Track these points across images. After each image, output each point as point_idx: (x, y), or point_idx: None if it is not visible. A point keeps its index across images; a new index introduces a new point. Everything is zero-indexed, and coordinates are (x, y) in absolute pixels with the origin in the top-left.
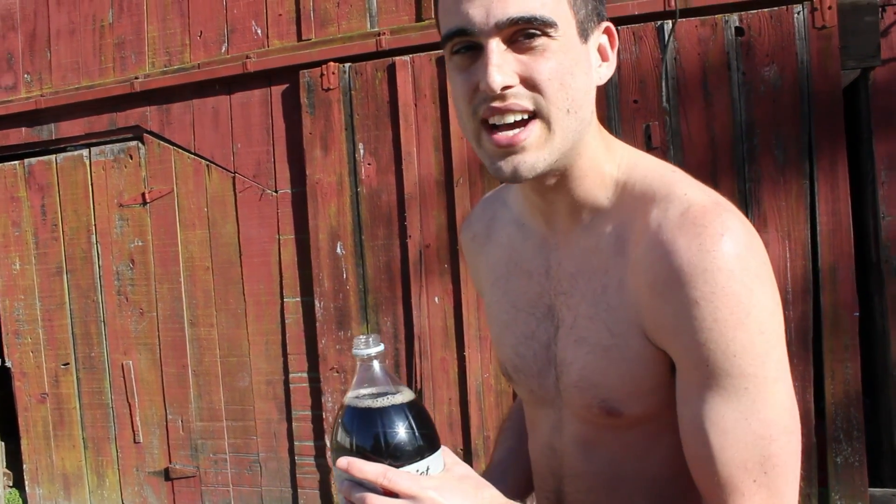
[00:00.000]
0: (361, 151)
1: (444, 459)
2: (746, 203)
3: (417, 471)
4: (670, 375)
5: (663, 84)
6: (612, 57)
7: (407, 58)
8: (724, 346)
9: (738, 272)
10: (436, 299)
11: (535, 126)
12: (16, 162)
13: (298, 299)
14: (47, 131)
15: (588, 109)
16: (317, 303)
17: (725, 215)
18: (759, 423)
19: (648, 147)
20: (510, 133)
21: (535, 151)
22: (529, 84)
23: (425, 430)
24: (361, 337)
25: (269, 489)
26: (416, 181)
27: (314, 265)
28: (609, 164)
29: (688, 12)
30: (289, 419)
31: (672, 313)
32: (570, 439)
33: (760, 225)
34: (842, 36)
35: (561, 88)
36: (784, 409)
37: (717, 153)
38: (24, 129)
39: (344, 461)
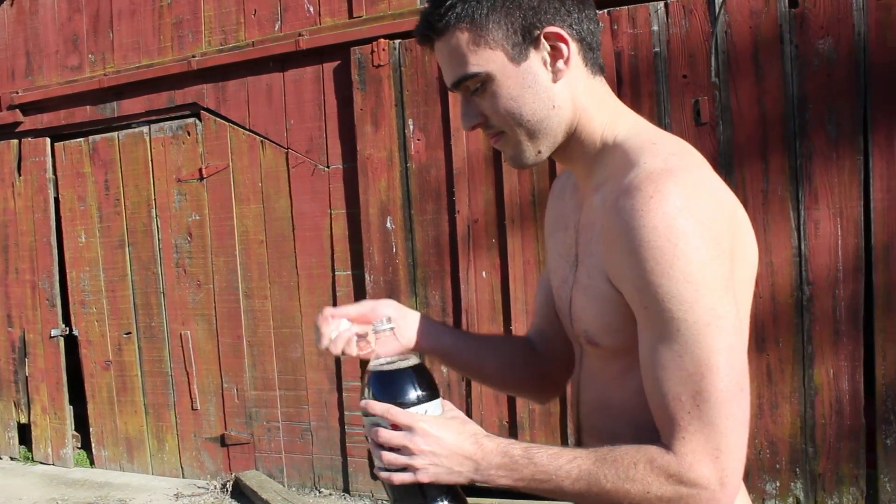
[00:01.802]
0: (411, 127)
1: (442, 408)
2: (797, 179)
3: (417, 412)
4: (633, 316)
5: (713, 58)
6: (566, 50)
7: None
8: (653, 293)
9: (661, 229)
10: (483, 273)
11: (504, 138)
12: (81, 139)
13: (349, 272)
14: (110, 109)
15: (557, 104)
16: (367, 276)
17: (663, 180)
18: (690, 361)
19: (697, 123)
20: (492, 141)
21: (516, 152)
22: (492, 119)
23: (425, 384)
24: (382, 317)
25: (319, 457)
26: (465, 157)
27: (364, 239)
28: (610, 133)
29: None
30: (339, 389)
31: (618, 263)
32: (583, 372)
33: (812, 202)
34: None
35: (511, 113)
36: (715, 351)
37: (767, 128)
38: (88, 107)
39: (363, 402)
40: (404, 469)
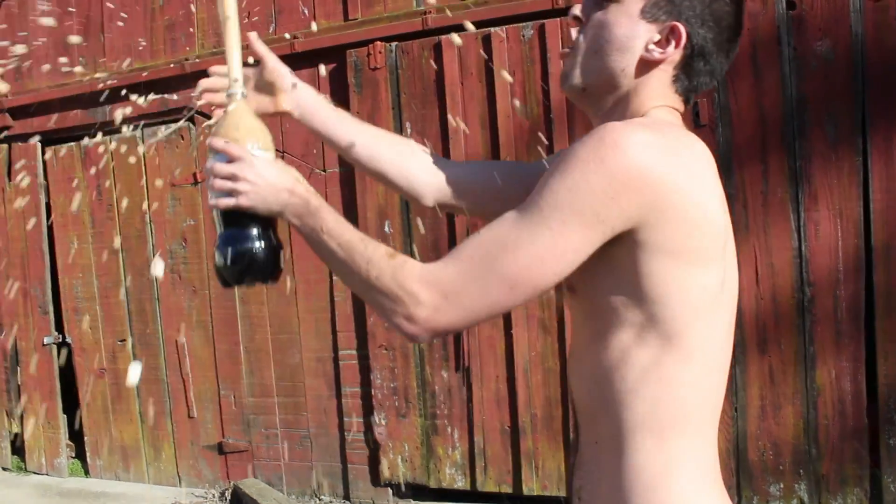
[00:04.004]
0: (409, 130)
1: (274, 157)
2: (797, 180)
3: (255, 150)
4: (595, 259)
5: None
6: (671, 49)
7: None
8: (544, 180)
9: (589, 145)
10: None
11: (573, 53)
12: (72, 143)
13: None
14: (102, 113)
15: (627, 72)
16: None
17: (615, 126)
18: (509, 229)
19: (696, 124)
20: (565, 48)
21: (568, 70)
22: (585, 30)
23: (264, 139)
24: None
25: (319, 463)
26: (463, 159)
27: None
28: (631, 111)
29: None
30: (338, 395)
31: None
32: (573, 344)
33: (811, 203)
34: None
35: (597, 39)
36: (529, 243)
37: (766, 130)
38: (79, 111)
39: (209, 140)
40: (230, 196)
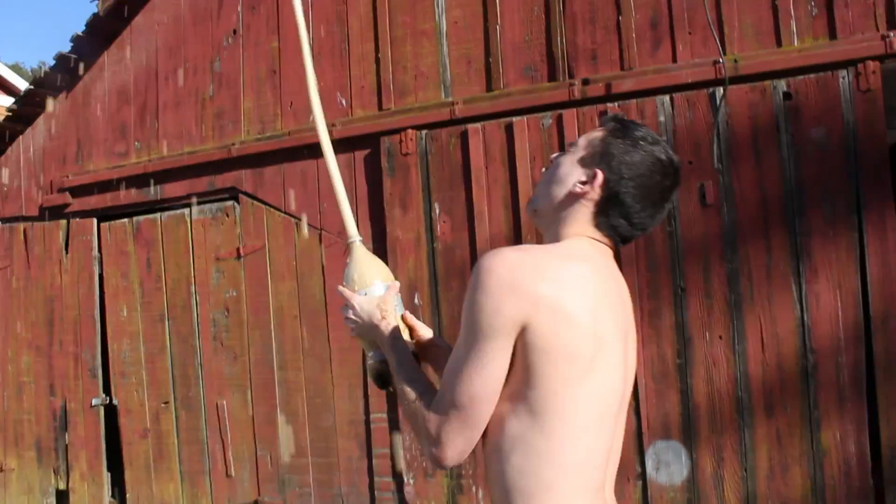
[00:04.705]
0: (437, 210)
1: (385, 291)
2: (798, 255)
3: (358, 293)
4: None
5: (716, 146)
6: (589, 188)
7: (478, 125)
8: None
9: (474, 275)
10: None
11: (538, 184)
12: (125, 219)
13: None
14: (154, 192)
15: (561, 201)
16: None
17: (490, 254)
18: (454, 360)
19: (703, 205)
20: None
21: (533, 196)
22: (548, 168)
23: (372, 275)
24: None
25: None
26: (488, 238)
27: None
28: (559, 235)
29: (738, 79)
30: (369, 456)
31: None
32: None
33: (812, 276)
34: (886, 97)
35: (551, 175)
36: (460, 361)
37: (768, 209)
38: (133, 190)
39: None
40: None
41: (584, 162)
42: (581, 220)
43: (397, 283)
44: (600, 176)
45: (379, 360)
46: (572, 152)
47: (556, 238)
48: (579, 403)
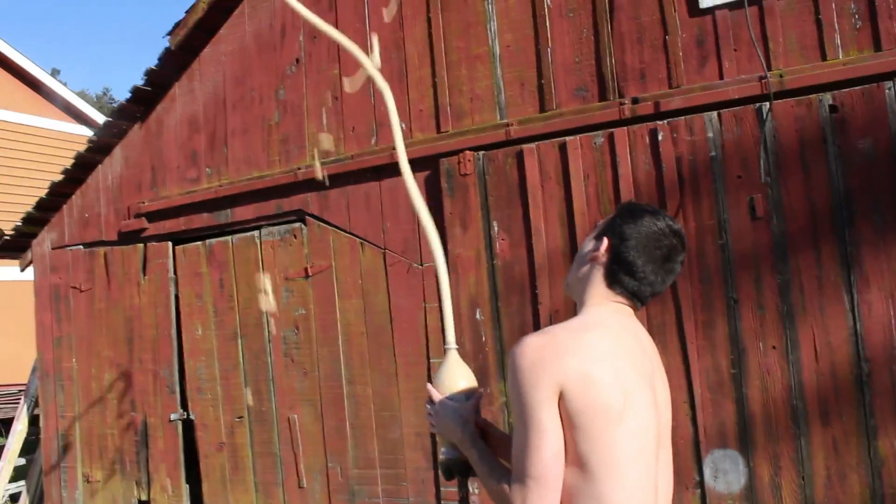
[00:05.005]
0: (496, 228)
1: (465, 402)
2: (848, 266)
3: (449, 396)
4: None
5: (763, 160)
6: (599, 255)
7: (533, 145)
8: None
9: (511, 361)
10: None
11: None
12: (199, 242)
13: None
14: (224, 216)
15: (583, 272)
16: None
17: (520, 341)
18: (518, 441)
19: (753, 217)
20: None
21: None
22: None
23: (458, 381)
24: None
25: None
26: (545, 253)
27: (456, 330)
28: (584, 306)
29: (783, 94)
30: (435, 467)
31: None
32: None
33: (863, 285)
34: None
35: (579, 252)
36: (523, 438)
37: (817, 220)
38: (205, 214)
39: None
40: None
41: (598, 234)
42: (596, 282)
43: (481, 393)
44: (605, 241)
45: (449, 458)
46: (591, 234)
47: (581, 302)
48: (616, 447)
